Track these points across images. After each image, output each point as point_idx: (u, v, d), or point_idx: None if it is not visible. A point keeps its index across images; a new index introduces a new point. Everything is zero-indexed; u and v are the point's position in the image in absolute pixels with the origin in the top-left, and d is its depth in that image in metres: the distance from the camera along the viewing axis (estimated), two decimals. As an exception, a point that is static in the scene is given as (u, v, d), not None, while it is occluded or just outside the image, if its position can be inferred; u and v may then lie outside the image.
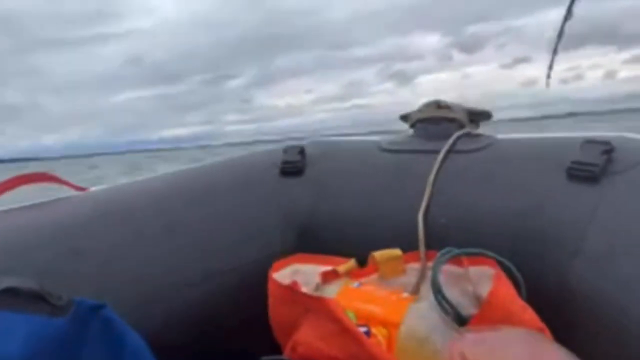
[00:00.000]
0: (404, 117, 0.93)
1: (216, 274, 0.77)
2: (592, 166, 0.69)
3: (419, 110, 0.90)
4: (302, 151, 0.92)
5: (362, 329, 0.58)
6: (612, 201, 0.66)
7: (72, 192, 0.84)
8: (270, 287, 0.71)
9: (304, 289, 0.71)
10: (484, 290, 0.64)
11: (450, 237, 0.73)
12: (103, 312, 0.53)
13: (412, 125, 0.91)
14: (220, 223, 0.82)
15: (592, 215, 0.66)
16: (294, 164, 0.90)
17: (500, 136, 0.85)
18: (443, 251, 0.68)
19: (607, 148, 0.70)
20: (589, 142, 0.73)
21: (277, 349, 0.68)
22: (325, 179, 0.89)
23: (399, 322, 0.59)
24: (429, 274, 0.67)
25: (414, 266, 0.73)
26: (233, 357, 0.76)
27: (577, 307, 0.62)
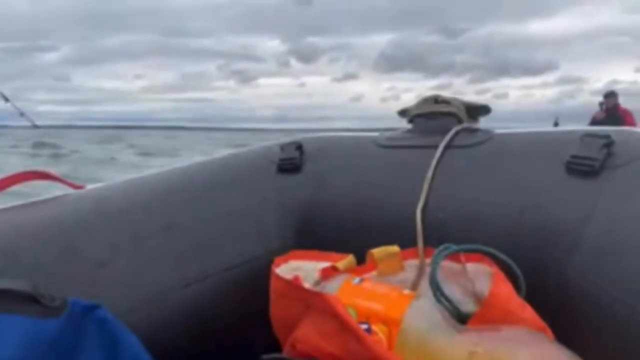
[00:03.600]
0: (402, 113, 0.93)
1: (214, 272, 0.76)
2: (592, 160, 0.69)
3: (417, 106, 0.89)
4: (299, 147, 0.91)
5: (363, 326, 0.57)
6: (613, 196, 0.65)
7: (69, 190, 0.84)
8: (273, 283, 0.70)
9: (305, 286, 0.70)
10: (483, 287, 0.63)
11: (448, 233, 0.72)
12: (98, 313, 0.52)
13: (410, 121, 0.90)
14: (218, 221, 0.82)
15: (592, 210, 0.65)
16: (291, 160, 0.90)
17: (498, 131, 0.84)
18: (441, 248, 0.67)
19: (607, 142, 0.70)
20: (589, 135, 0.72)
21: (276, 346, 0.68)
22: (323, 175, 0.88)
23: (399, 319, 0.59)
24: (428, 270, 0.67)
25: (413, 262, 0.72)
26: (232, 355, 0.75)
27: (577, 301, 0.61)
